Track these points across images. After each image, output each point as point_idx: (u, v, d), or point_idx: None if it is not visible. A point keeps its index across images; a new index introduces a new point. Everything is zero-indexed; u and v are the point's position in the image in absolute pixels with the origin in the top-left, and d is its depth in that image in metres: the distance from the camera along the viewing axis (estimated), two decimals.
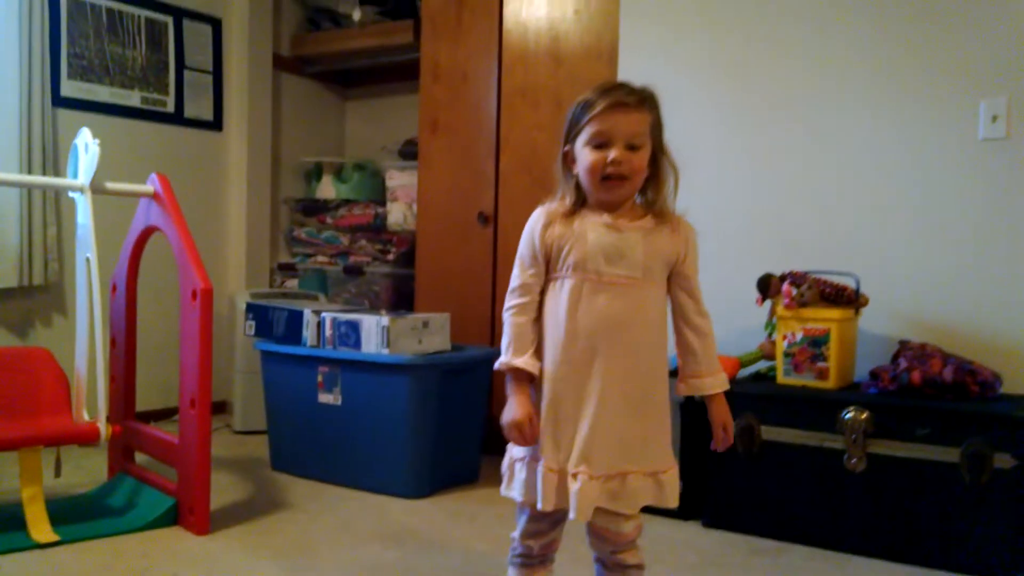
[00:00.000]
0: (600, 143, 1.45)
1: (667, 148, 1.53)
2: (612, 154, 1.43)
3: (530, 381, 1.49)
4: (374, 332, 2.84)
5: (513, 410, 1.46)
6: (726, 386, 1.57)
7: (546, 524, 1.52)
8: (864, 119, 2.76)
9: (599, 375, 1.44)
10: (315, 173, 4.43)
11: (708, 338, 1.54)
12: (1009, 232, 2.55)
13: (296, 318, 3.07)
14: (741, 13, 2.97)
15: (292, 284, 4.26)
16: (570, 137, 1.50)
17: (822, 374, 2.51)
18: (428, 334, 2.93)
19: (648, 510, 1.52)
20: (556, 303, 1.48)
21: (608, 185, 1.46)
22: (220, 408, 3.97)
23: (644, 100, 1.47)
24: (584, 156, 1.46)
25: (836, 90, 2.81)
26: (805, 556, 2.33)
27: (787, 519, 2.45)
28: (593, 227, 1.47)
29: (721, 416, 1.58)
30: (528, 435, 1.45)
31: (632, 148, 1.45)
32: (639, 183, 1.50)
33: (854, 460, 2.34)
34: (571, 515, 1.43)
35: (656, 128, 1.50)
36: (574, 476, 1.42)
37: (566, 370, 1.46)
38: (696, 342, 1.53)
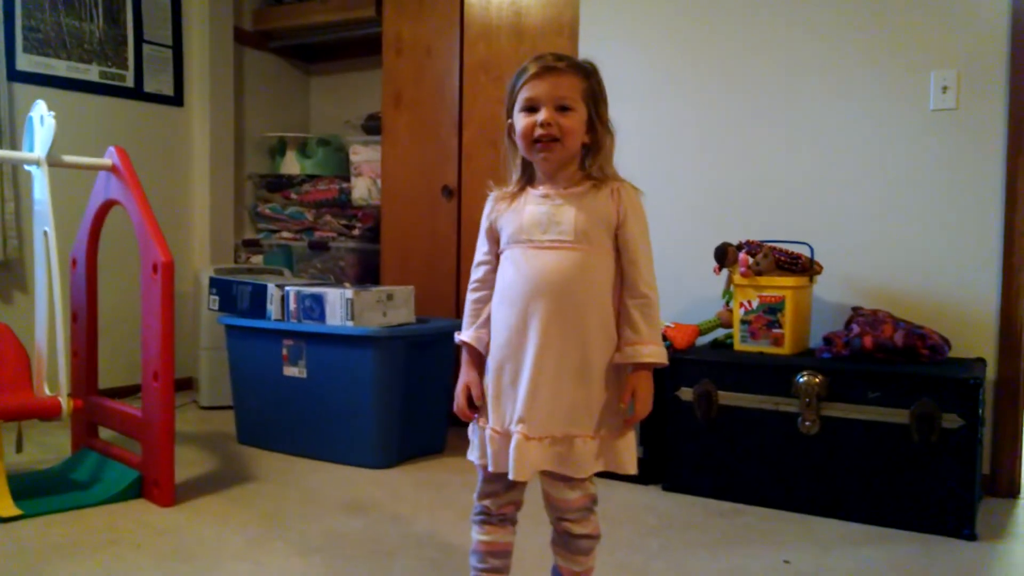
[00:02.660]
0: (531, 107, 1.47)
1: (605, 116, 1.52)
2: (541, 116, 1.45)
3: (479, 353, 1.55)
4: (338, 305, 2.86)
5: (458, 384, 1.57)
6: (663, 359, 1.48)
7: (500, 486, 1.54)
8: (817, 90, 2.81)
9: (534, 339, 1.45)
10: (279, 149, 4.40)
11: (650, 309, 1.49)
12: (958, 201, 2.62)
13: (260, 292, 3.07)
14: None
15: (257, 260, 4.25)
16: (510, 109, 1.52)
17: (777, 340, 2.57)
18: (393, 307, 2.95)
19: (609, 475, 1.53)
20: (502, 274, 1.53)
21: (539, 148, 1.47)
22: (186, 385, 3.97)
23: (576, 65, 1.48)
24: (518, 122, 1.48)
25: (791, 62, 2.85)
26: (762, 517, 2.40)
27: (744, 481, 2.51)
28: (531, 200, 1.52)
29: (636, 383, 1.48)
30: (460, 405, 1.55)
31: (562, 110, 1.45)
32: (574, 147, 1.49)
33: (808, 423, 2.40)
34: (509, 475, 1.45)
35: (592, 95, 1.49)
36: (512, 436, 1.45)
37: (506, 335, 1.49)
38: (636, 312, 1.48)
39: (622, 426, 1.51)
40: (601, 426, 1.49)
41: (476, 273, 1.59)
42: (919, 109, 2.66)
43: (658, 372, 1.51)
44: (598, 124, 1.51)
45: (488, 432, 1.50)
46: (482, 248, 1.59)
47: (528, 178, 1.55)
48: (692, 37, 3.02)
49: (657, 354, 1.48)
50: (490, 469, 1.49)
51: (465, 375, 1.56)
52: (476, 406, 1.55)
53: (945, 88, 2.61)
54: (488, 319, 1.55)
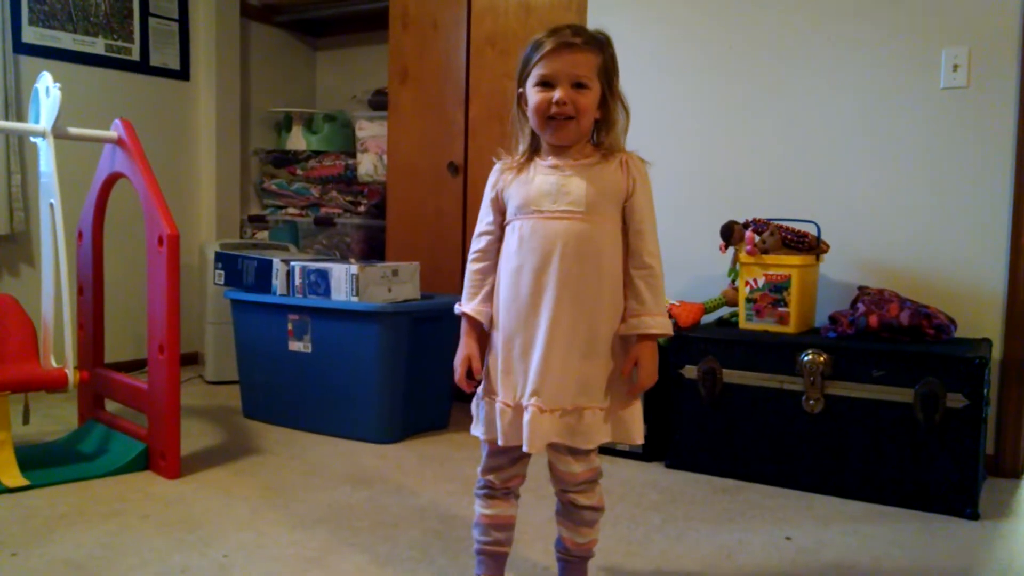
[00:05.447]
0: (546, 83, 1.45)
1: (619, 91, 1.51)
2: (556, 94, 1.43)
3: (480, 326, 1.55)
4: (343, 280, 2.86)
5: (457, 355, 1.56)
6: (667, 330, 1.49)
7: (505, 460, 1.55)
8: (827, 67, 2.78)
9: (546, 311, 1.45)
10: (285, 124, 4.39)
11: (654, 279, 1.49)
12: (966, 181, 2.60)
13: (265, 267, 3.07)
14: None
15: (263, 236, 4.25)
16: (522, 79, 1.50)
17: (783, 319, 2.56)
18: (398, 283, 2.95)
19: (612, 451, 1.54)
20: (508, 246, 1.52)
21: (553, 125, 1.46)
22: (192, 359, 3.99)
23: (592, 40, 1.47)
24: (532, 97, 1.47)
25: (800, 38, 2.82)
26: (765, 494, 2.40)
27: (747, 459, 2.52)
28: (539, 171, 1.50)
29: (639, 353, 1.49)
30: (460, 376, 1.54)
31: (578, 87, 1.44)
32: (587, 124, 1.48)
33: (812, 401, 2.40)
34: (524, 447, 1.45)
35: (606, 70, 1.48)
36: (526, 409, 1.45)
37: (515, 308, 1.49)
38: (641, 283, 1.48)
39: (628, 397, 1.51)
40: (609, 397, 1.50)
41: (478, 243, 1.57)
42: (929, 87, 2.63)
43: (663, 349, 1.51)
44: (610, 99, 1.50)
45: (499, 406, 1.49)
46: (486, 218, 1.57)
47: (535, 149, 1.54)
48: (701, 13, 2.99)
49: (662, 325, 1.48)
50: (500, 443, 1.49)
51: (465, 346, 1.55)
52: (475, 378, 1.54)
53: (956, 66, 2.58)
54: (490, 292, 1.54)
